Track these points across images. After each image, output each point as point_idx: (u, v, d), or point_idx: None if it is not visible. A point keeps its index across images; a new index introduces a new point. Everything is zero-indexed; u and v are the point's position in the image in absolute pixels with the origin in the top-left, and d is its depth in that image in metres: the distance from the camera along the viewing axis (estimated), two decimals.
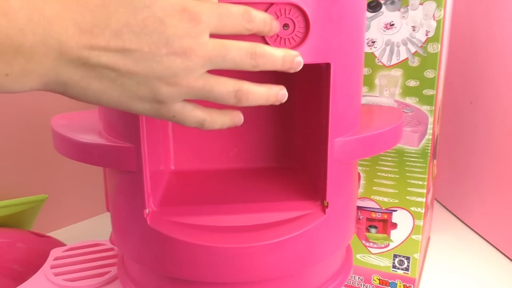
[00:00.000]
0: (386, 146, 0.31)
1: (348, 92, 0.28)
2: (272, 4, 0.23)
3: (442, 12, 0.35)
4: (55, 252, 0.40)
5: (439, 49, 0.36)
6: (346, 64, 0.27)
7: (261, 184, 0.33)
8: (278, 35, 0.24)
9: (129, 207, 0.28)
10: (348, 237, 0.32)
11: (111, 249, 0.40)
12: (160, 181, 0.32)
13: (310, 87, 0.31)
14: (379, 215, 0.42)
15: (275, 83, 0.35)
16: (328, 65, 0.26)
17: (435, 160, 0.45)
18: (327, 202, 0.28)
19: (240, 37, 0.23)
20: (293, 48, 0.24)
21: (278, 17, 0.24)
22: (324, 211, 0.28)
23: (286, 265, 0.27)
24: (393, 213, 0.41)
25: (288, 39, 0.24)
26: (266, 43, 0.24)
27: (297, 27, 0.24)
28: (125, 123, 0.27)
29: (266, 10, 0.23)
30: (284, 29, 0.24)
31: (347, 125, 0.28)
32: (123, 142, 0.27)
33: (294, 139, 0.36)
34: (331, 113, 0.27)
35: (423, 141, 0.39)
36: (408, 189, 0.40)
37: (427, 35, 0.36)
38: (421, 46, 0.36)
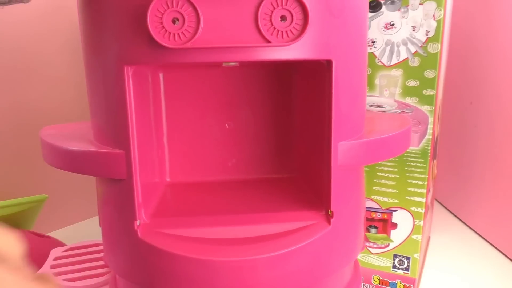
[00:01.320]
0: (394, 152, 0.29)
1: (351, 92, 0.26)
2: None
3: (442, 12, 0.35)
4: (55, 252, 0.40)
5: (439, 49, 0.36)
6: (348, 61, 0.26)
7: (261, 195, 0.31)
8: (275, 28, 0.23)
9: (119, 218, 0.26)
10: (357, 250, 0.29)
11: None
12: (154, 193, 0.30)
13: (309, 91, 0.30)
14: (379, 215, 0.42)
15: (275, 88, 0.33)
16: (329, 62, 0.25)
17: (435, 160, 0.45)
18: (332, 212, 0.26)
19: (238, 30, 0.22)
20: (291, 41, 0.23)
21: (274, 8, 0.22)
22: (329, 222, 0.26)
23: (289, 280, 0.25)
24: (393, 213, 0.41)
25: (286, 32, 0.23)
26: (264, 38, 0.23)
27: (295, 19, 0.23)
28: (115, 128, 0.25)
29: (261, 2, 0.22)
30: (282, 21, 0.23)
31: (352, 128, 0.27)
32: (113, 148, 0.25)
33: (294, 148, 0.34)
34: (333, 115, 0.25)
35: (423, 141, 0.39)
36: (408, 189, 0.40)
37: (427, 35, 0.36)
38: (421, 46, 0.36)
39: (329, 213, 0.27)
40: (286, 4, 0.23)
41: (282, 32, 0.23)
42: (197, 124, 0.33)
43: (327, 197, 0.27)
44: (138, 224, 0.26)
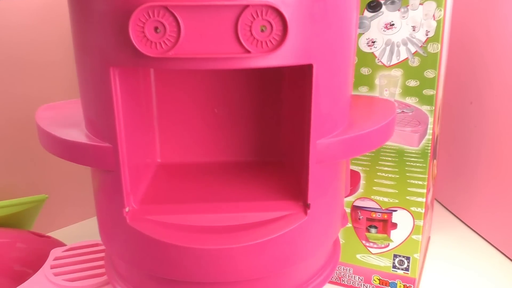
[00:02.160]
0: (374, 145, 0.30)
1: (333, 93, 0.27)
2: (247, 6, 0.22)
3: (442, 12, 0.35)
4: (55, 252, 0.40)
5: (439, 49, 0.36)
6: (331, 64, 0.26)
7: (246, 181, 0.32)
8: (255, 38, 0.23)
9: (110, 205, 0.28)
10: (333, 235, 0.31)
11: None
12: (144, 175, 0.32)
13: (297, 84, 0.30)
14: (379, 215, 0.42)
15: (263, 78, 0.33)
16: (310, 66, 0.25)
17: (435, 160, 0.45)
18: (309, 204, 0.28)
19: (218, 41, 0.22)
20: (271, 51, 0.23)
21: (254, 19, 0.23)
22: (305, 213, 0.28)
23: (267, 265, 0.27)
24: (393, 213, 0.41)
25: (266, 42, 0.23)
26: (244, 48, 0.23)
27: (274, 29, 0.23)
28: (102, 123, 0.26)
29: (241, 13, 0.22)
30: (262, 31, 0.23)
31: (332, 126, 0.27)
32: (101, 142, 0.26)
33: (282, 134, 0.35)
34: (313, 115, 0.26)
35: (423, 141, 0.39)
36: (408, 189, 0.40)
37: (427, 35, 0.36)
38: (421, 46, 0.36)
39: (307, 205, 0.28)
40: (266, 15, 0.23)
41: (262, 42, 0.23)
42: (187, 110, 0.35)
43: (305, 190, 0.28)
44: (127, 211, 0.27)
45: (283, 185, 0.31)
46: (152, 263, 0.27)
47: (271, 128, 0.35)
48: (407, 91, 0.38)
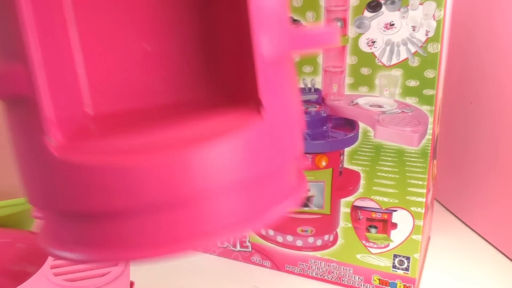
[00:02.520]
0: (319, 41, 0.26)
1: None
2: None
3: (442, 12, 0.35)
4: None
5: (439, 49, 0.36)
6: None
7: (191, 110, 0.29)
8: None
9: (31, 141, 0.24)
10: (293, 149, 0.28)
11: None
12: (72, 122, 0.27)
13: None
14: (379, 215, 0.42)
15: (195, 2, 0.29)
16: None
17: (435, 160, 0.45)
18: (262, 104, 0.24)
19: None
20: None
21: None
22: (261, 115, 0.24)
23: (224, 176, 0.23)
24: (393, 213, 0.41)
25: None
26: None
27: None
28: (9, 39, 0.22)
29: None
30: None
31: (274, 22, 0.25)
32: (11, 63, 0.22)
33: (222, 62, 0.31)
34: (251, 8, 0.23)
35: (423, 141, 0.39)
36: (408, 189, 0.40)
37: (427, 35, 0.36)
38: (421, 46, 0.36)
39: (260, 104, 0.25)
40: None
41: None
42: (114, 48, 0.30)
43: (255, 91, 0.24)
44: (54, 144, 0.23)
45: (233, 105, 0.28)
46: (89, 197, 0.23)
47: (209, 60, 0.31)
48: (407, 91, 0.38)
